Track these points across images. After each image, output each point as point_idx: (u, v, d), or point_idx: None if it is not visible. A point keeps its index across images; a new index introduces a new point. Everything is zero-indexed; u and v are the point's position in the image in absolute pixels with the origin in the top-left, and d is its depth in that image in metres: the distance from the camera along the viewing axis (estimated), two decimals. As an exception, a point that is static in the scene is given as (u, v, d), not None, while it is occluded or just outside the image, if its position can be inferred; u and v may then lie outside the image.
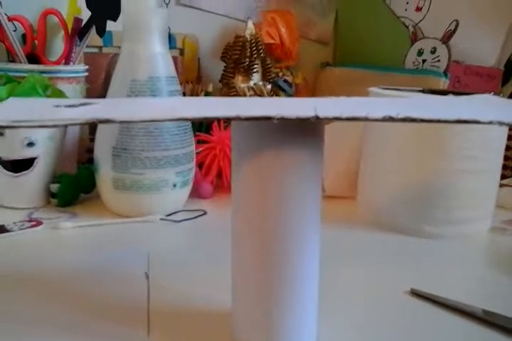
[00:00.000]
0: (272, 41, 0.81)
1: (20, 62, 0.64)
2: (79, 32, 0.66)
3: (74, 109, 0.29)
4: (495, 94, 0.59)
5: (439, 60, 0.71)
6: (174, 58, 0.60)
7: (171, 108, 0.28)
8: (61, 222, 0.54)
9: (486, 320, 0.38)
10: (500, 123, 0.29)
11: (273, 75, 0.80)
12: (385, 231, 0.56)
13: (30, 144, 0.57)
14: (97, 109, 0.29)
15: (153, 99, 0.34)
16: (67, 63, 0.66)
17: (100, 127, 0.57)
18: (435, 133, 0.53)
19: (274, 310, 0.32)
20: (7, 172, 0.57)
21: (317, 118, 0.27)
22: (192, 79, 0.81)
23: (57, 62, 0.66)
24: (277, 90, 0.82)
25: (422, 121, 0.28)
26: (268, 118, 0.27)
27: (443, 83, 0.68)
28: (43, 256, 0.48)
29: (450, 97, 0.37)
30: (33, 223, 0.54)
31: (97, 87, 0.77)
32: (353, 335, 0.36)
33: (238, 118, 0.27)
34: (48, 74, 0.63)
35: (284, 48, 0.84)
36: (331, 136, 0.71)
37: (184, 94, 0.78)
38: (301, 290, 0.32)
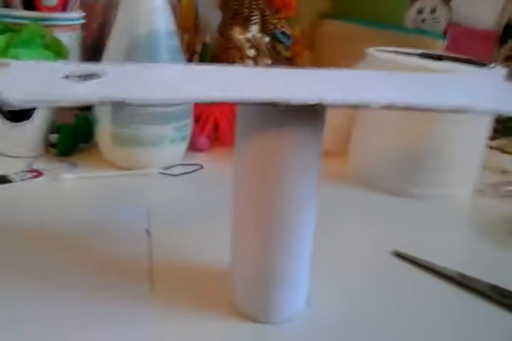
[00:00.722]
0: (271, -9, 0.80)
1: (16, 8, 0.63)
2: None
3: (85, 85, 0.30)
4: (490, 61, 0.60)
5: (438, 21, 0.70)
6: (172, 5, 0.60)
7: (179, 86, 0.29)
8: (62, 173, 0.56)
9: (462, 283, 0.42)
10: (492, 113, 0.30)
11: (271, 27, 0.80)
12: (373, 190, 0.59)
13: (30, 95, 0.57)
14: (108, 84, 0.30)
15: (158, 70, 0.34)
16: (63, 10, 0.65)
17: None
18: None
19: (270, 273, 0.35)
20: (8, 121, 0.58)
21: (321, 105, 0.29)
22: (189, 29, 0.80)
23: (54, 9, 0.65)
24: (275, 42, 0.82)
25: (417, 109, 0.30)
26: (274, 104, 0.28)
27: (440, 44, 0.69)
28: (44, 208, 0.50)
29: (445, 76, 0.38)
30: (34, 174, 0.56)
31: (91, 34, 0.76)
32: (337, 296, 0.39)
33: (245, 103, 0.28)
34: (44, 22, 0.62)
35: (283, -2, 0.82)
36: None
37: (181, 44, 0.77)
38: (295, 257, 0.35)
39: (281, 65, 0.83)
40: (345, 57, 0.81)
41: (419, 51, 0.62)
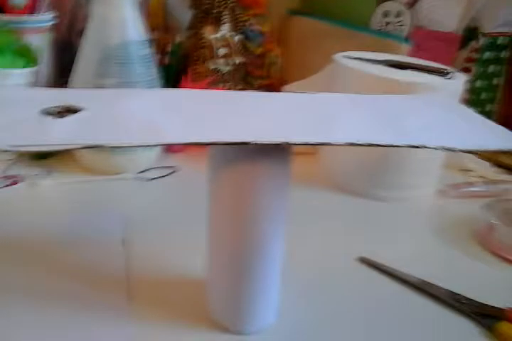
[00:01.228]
0: (241, -12, 0.80)
1: (-15, 12, 0.62)
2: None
3: (63, 123, 0.31)
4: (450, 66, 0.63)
5: (402, 25, 0.73)
6: (140, 3, 0.60)
7: (156, 127, 0.31)
8: (39, 180, 0.57)
9: (422, 289, 0.45)
10: (444, 149, 0.33)
11: (242, 25, 0.81)
12: (341, 192, 0.62)
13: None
14: (86, 124, 0.32)
15: (133, 103, 0.36)
16: (33, 11, 0.65)
17: (74, 79, 0.58)
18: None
19: (242, 289, 0.37)
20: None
21: (287, 143, 0.31)
22: (158, 26, 0.80)
23: (24, 11, 0.64)
24: (246, 40, 0.83)
25: (379, 145, 0.32)
26: (246, 144, 0.30)
27: (404, 48, 0.71)
28: (22, 217, 0.51)
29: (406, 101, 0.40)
30: (12, 180, 0.57)
31: (61, 33, 0.75)
32: (306, 306, 0.42)
33: (217, 144, 0.30)
34: (14, 25, 0.62)
35: (253, -5, 0.83)
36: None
37: (151, 43, 0.78)
38: (265, 275, 0.37)
39: (252, 61, 0.85)
40: (314, 54, 0.83)
41: (385, 57, 0.64)
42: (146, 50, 0.57)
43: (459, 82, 0.59)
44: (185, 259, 0.46)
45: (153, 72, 0.59)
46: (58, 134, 0.29)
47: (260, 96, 0.40)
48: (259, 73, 0.87)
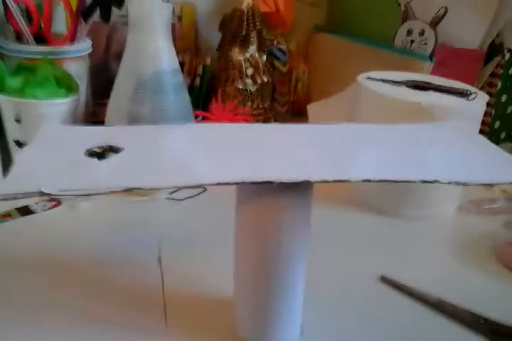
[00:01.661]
0: (267, 9, 0.83)
1: (28, 42, 0.67)
2: (83, 12, 0.68)
3: (106, 166, 0.35)
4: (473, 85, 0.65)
5: (426, 43, 0.74)
6: (172, 25, 0.63)
7: (188, 167, 0.34)
8: (79, 202, 0.61)
9: (442, 309, 0.47)
10: (457, 183, 0.35)
11: (268, 43, 0.83)
12: (365, 210, 0.64)
13: (46, 130, 0.62)
14: (125, 166, 0.35)
15: (169, 143, 0.39)
16: (73, 39, 0.69)
17: (108, 116, 0.62)
18: (417, 120, 0.58)
19: (267, 310, 0.40)
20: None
21: (308, 181, 0.34)
22: (190, 49, 0.84)
23: (63, 42, 0.69)
24: (273, 59, 0.86)
25: (393, 181, 0.35)
26: (269, 183, 0.33)
27: (428, 66, 0.73)
28: (62, 238, 0.55)
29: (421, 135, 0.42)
30: (54, 203, 0.61)
31: (98, 58, 0.80)
32: (328, 324, 0.45)
33: (245, 183, 0.33)
34: (55, 56, 0.66)
35: (279, 15, 0.86)
36: (316, 114, 0.77)
37: (183, 65, 0.82)
38: (289, 296, 0.40)
39: (279, 79, 0.88)
40: (338, 71, 0.86)
41: (407, 77, 0.66)
42: (178, 78, 0.61)
43: (479, 104, 0.61)
44: (217, 277, 0.48)
45: (184, 99, 0.62)
46: (101, 178, 0.33)
47: (283, 129, 0.43)
48: (285, 90, 0.90)
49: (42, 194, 0.31)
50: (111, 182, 0.32)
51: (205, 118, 0.73)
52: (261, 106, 0.83)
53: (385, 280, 0.51)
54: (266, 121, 0.84)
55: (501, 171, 0.38)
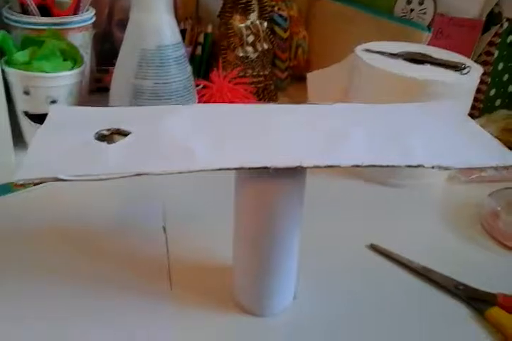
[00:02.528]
0: (268, -26, 0.83)
1: (33, 14, 0.68)
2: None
3: (114, 151, 0.38)
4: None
5: (425, 13, 0.75)
6: None
7: (190, 152, 0.37)
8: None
9: (424, 275, 0.51)
10: (440, 168, 0.38)
11: (269, 10, 0.84)
12: (355, 178, 0.67)
13: (53, 102, 0.64)
14: (132, 148, 0.38)
15: (173, 125, 0.42)
16: (76, 12, 0.70)
17: (113, 90, 0.64)
18: (411, 94, 0.60)
19: (262, 276, 0.44)
20: (34, 123, 0.66)
21: (300, 167, 0.37)
22: (190, 15, 0.84)
23: (67, 12, 0.70)
24: (273, 25, 0.86)
25: (381, 166, 0.38)
26: (265, 168, 0.36)
27: (426, 36, 0.74)
28: (70, 209, 0.58)
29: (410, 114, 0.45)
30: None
31: (101, 26, 0.81)
32: (320, 290, 0.49)
33: (243, 168, 0.36)
34: (60, 26, 0.68)
35: (280, -20, 0.86)
36: (315, 83, 0.79)
37: (184, 32, 0.83)
38: (283, 264, 0.44)
39: (280, 45, 0.88)
40: (337, 38, 0.87)
41: (405, 48, 0.68)
42: (181, 51, 0.62)
43: (473, 78, 0.63)
44: (220, 245, 0.50)
45: (186, 71, 0.64)
46: (112, 163, 0.36)
47: (279, 110, 0.45)
48: (286, 56, 0.91)
49: (58, 179, 0.34)
50: (121, 168, 0.35)
51: (206, 87, 0.75)
52: (261, 74, 0.84)
53: (374, 248, 0.55)
54: (266, 87, 0.86)
55: (483, 155, 0.40)
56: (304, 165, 0.37)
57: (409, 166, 0.38)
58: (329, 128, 0.42)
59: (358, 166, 0.37)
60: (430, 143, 0.41)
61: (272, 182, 0.39)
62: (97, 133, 0.40)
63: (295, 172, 0.39)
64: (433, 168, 0.38)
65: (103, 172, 0.35)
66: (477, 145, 0.42)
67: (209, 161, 0.37)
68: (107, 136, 0.40)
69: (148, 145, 0.39)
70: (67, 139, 0.39)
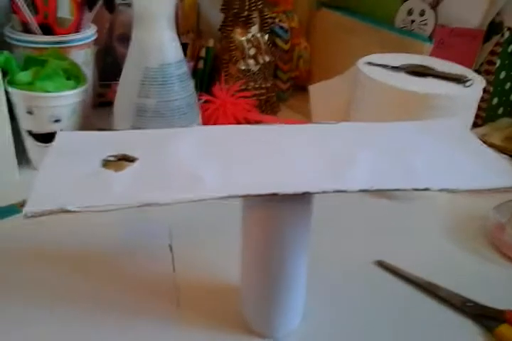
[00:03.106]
0: (269, -12, 0.84)
1: (35, 32, 0.68)
2: (88, 0, 0.69)
3: (121, 179, 0.38)
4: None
5: (426, 24, 0.75)
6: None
7: (198, 179, 0.37)
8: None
9: (431, 291, 0.51)
10: (448, 191, 0.38)
11: (270, 22, 0.84)
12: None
13: (57, 121, 0.64)
14: (139, 175, 0.38)
15: (179, 150, 0.42)
16: (77, 31, 0.70)
17: (117, 109, 0.64)
18: (413, 107, 0.60)
19: (271, 299, 0.44)
20: (38, 143, 0.66)
21: (308, 193, 0.37)
22: (192, 28, 0.84)
23: (69, 30, 0.70)
24: (274, 37, 0.87)
25: (388, 190, 0.38)
26: (274, 194, 0.36)
27: (427, 47, 0.74)
28: (68, 227, 0.57)
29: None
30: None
31: (102, 42, 0.81)
32: (328, 309, 0.49)
33: (250, 195, 0.36)
34: (62, 45, 0.68)
35: (281, -7, 0.86)
36: (318, 95, 0.79)
37: (185, 45, 0.83)
38: (291, 287, 0.44)
39: (281, 57, 0.89)
40: (338, 48, 0.87)
41: (407, 60, 0.68)
42: (183, 69, 0.63)
43: (476, 91, 0.63)
44: (227, 265, 0.51)
45: (190, 88, 0.64)
46: (120, 193, 0.36)
47: (284, 132, 0.46)
48: (287, 67, 0.91)
49: (66, 211, 0.34)
50: (130, 198, 0.35)
51: (209, 102, 0.75)
52: (263, 86, 0.84)
53: (381, 264, 0.55)
54: (268, 99, 0.86)
55: (491, 176, 0.41)
56: (312, 191, 0.37)
57: (416, 189, 0.38)
58: (334, 150, 0.42)
59: (365, 191, 0.37)
60: (436, 165, 0.41)
61: (280, 208, 0.39)
62: (103, 159, 0.40)
63: (303, 198, 0.39)
64: (440, 191, 0.38)
65: (111, 202, 0.35)
66: (484, 166, 0.42)
67: (217, 188, 0.37)
68: (114, 163, 0.40)
69: (155, 172, 0.39)
70: (74, 167, 0.39)
